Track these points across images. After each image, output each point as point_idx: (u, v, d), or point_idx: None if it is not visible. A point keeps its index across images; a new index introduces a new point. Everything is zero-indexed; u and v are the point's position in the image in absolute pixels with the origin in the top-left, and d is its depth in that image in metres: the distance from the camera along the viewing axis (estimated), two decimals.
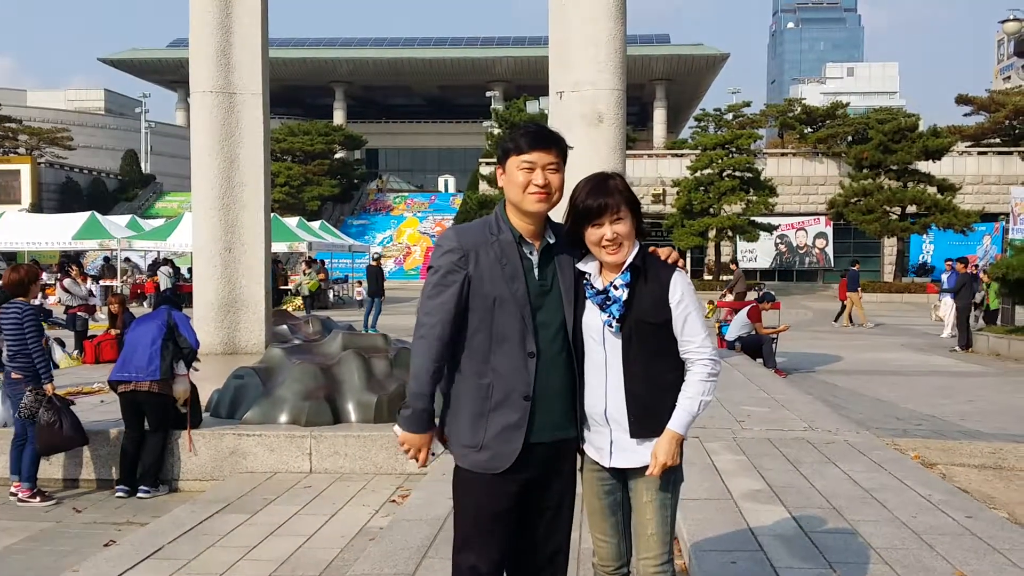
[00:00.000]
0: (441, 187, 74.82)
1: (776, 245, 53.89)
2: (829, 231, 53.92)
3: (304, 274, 33.44)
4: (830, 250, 54.32)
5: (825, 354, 20.04)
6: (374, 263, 27.61)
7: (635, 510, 3.61)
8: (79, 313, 17.09)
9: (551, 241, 3.63)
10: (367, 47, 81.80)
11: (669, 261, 3.63)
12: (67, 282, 18.11)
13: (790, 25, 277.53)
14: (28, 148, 67.56)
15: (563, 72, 12.40)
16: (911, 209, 45.31)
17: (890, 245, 50.42)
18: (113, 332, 14.80)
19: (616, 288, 3.53)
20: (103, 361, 14.22)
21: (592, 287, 3.59)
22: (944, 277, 27.01)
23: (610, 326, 3.52)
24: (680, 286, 3.56)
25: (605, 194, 3.51)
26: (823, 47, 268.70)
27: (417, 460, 3.57)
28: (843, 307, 30.07)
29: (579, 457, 3.70)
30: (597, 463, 3.61)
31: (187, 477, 8.69)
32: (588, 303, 3.60)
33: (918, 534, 5.75)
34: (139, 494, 8.39)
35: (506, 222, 3.59)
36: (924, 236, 49.31)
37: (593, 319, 3.56)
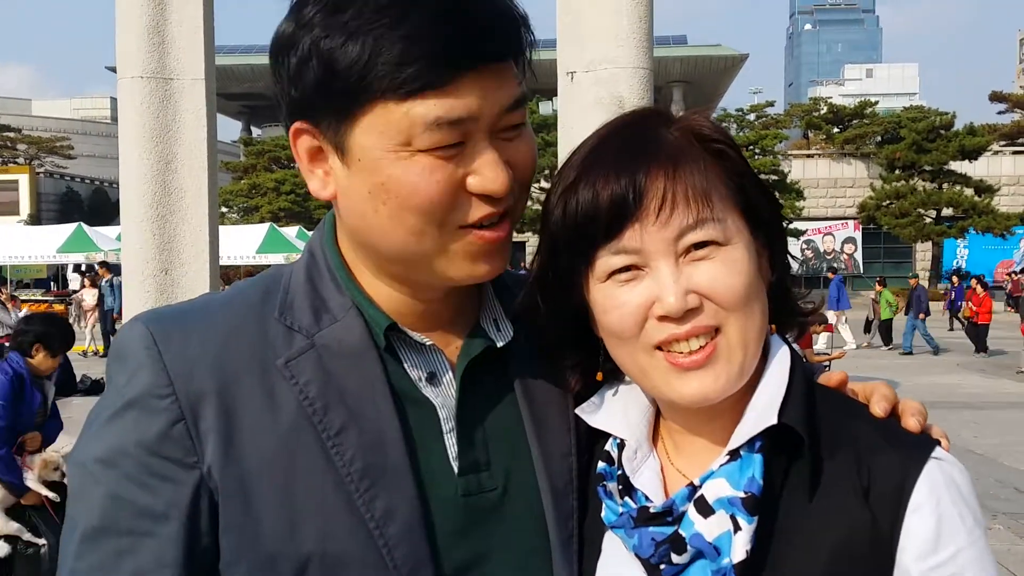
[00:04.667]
0: None
1: (802, 251, 51.44)
2: (858, 236, 51.49)
3: None
4: (859, 256, 51.88)
5: (877, 378, 17.50)
6: None
7: None
8: (6, 344, 14.74)
9: (499, 339, 1.29)
10: None
11: (910, 424, 1.19)
12: None
13: (807, 27, 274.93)
14: (27, 157, 65.88)
15: (575, 48, 9.96)
16: (947, 212, 42.95)
17: (923, 250, 48.04)
18: None
19: (704, 511, 1.13)
20: None
21: (621, 498, 1.21)
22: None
23: None
24: (946, 528, 1.11)
25: (635, 163, 1.15)
26: (841, 49, 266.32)
27: None
28: None
29: None
30: None
31: None
32: (613, 545, 1.23)
33: None
34: None
35: (345, 283, 1.26)
36: (959, 241, 46.86)
37: None
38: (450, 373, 1.25)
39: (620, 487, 1.21)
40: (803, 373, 1.21)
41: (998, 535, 6.52)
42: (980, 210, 41.81)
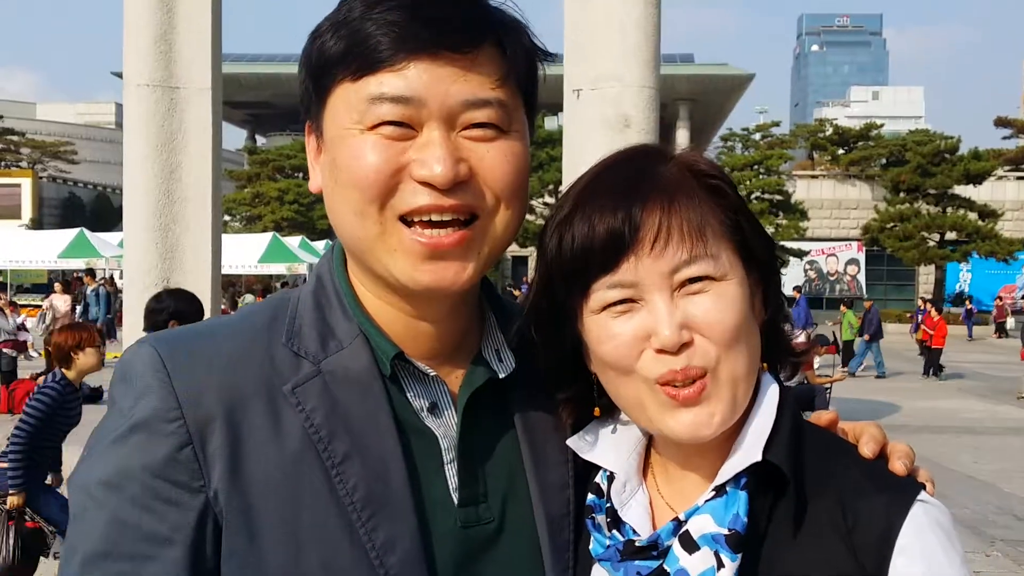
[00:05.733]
0: None
1: (805, 271, 51.35)
2: (861, 257, 51.39)
3: None
4: (862, 277, 51.76)
5: (877, 402, 17.58)
6: None
7: None
8: (5, 350, 14.67)
9: (501, 370, 1.28)
10: None
11: (896, 467, 1.19)
12: None
13: (814, 48, 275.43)
14: (31, 162, 65.96)
15: (581, 65, 9.99)
16: (950, 236, 42.90)
17: (926, 273, 47.97)
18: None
19: (689, 547, 1.13)
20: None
21: (609, 531, 1.21)
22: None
23: None
24: (934, 571, 1.09)
25: (631, 196, 1.16)
26: (847, 70, 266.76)
27: None
28: None
29: None
30: None
31: None
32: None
33: None
34: None
35: (352, 310, 1.25)
36: (962, 265, 46.79)
37: None
38: (452, 404, 1.25)
39: (608, 520, 1.21)
40: (792, 411, 1.21)
41: (996, 562, 6.48)
42: (984, 235, 41.73)
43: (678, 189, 1.16)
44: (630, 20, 9.71)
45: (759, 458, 1.13)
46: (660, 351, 1.12)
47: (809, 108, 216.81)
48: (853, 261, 51.88)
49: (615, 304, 1.15)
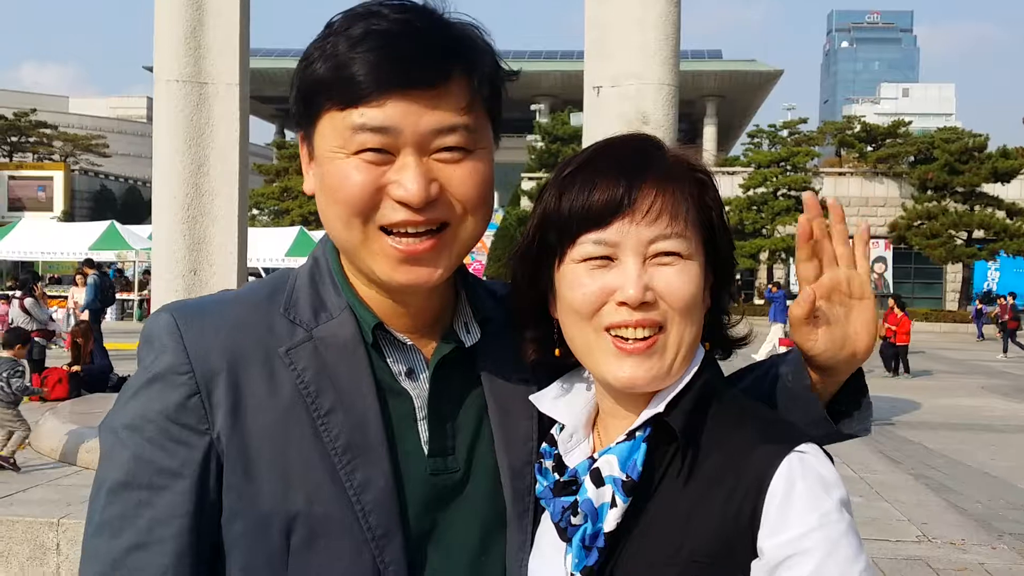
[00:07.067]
0: None
1: None
2: (888, 255, 51.08)
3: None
4: (889, 275, 51.45)
5: (897, 399, 17.56)
6: None
7: None
8: (37, 339, 14.88)
9: (468, 340, 1.46)
10: None
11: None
12: (29, 302, 15.73)
13: (844, 44, 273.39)
14: (63, 155, 66.62)
15: (601, 63, 10.10)
16: (978, 234, 42.65)
17: (953, 271, 47.72)
18: (74, 368, 12.75)
19: (597, 482, 1.30)
20: (49, 400, 12.15)
21: (548, 463, 1.39)
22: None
23: None
24: (797, 509, 1.19)
25: (634, 171, 1.32)
26: (877, 67, 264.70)
27: None
28: None
29: None
30: None
31: None
32: (546, 517, 1.40)
33: None
34: None
35: (342, 287, 1.43)
36: (990, 263, 46.46)
37: (546, 565, 1.37)
38: (427, 369, 1.42)
39: (554, 464, 1.37)
40: (710, 377, 1.35)
41: (1002, 555, 6.55)
42: (1012, 233, 41.52)
43: (672, 175, 1.33)
44: (649, 19, 9.81)
45: (661, 410, 1.29)
46: (622, 304, 1.29)
47: (838, 105, 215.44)
48: (880, 259, 51.59)
49: (594, 259, 1.31)
